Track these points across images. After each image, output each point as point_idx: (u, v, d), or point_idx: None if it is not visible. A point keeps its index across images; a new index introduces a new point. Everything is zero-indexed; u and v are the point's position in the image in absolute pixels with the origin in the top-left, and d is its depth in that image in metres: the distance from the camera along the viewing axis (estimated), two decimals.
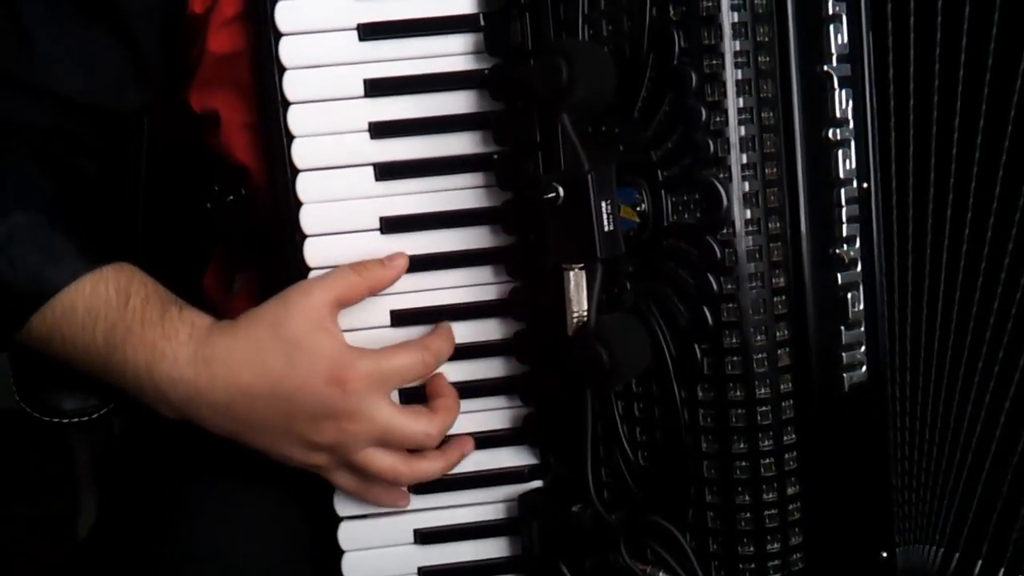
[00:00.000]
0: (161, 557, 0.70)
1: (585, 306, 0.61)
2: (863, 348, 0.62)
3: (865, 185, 0.61)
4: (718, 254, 0.58)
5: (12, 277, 0.64)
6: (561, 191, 0.59)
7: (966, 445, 0.66)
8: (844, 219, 0.61)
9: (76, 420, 0.76)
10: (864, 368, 0.63)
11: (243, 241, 0.78)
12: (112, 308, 0.65)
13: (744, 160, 0.58)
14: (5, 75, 0.67)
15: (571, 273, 0.61)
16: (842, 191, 0.61)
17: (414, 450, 0.66)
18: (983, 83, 0.62)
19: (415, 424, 0.64)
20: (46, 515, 1.45)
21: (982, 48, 0.62)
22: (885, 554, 0.65)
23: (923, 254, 0.64)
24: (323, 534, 0.70)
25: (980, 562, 0.66)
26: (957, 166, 0.63)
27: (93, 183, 0.74)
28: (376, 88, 0.66)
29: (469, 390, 0.69)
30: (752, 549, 0.61)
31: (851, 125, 0.61)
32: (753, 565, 0.61)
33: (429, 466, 0.66)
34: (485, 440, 0.70)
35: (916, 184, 0.64)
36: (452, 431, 0.67)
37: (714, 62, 0.57)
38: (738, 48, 0.57)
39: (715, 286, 0.59)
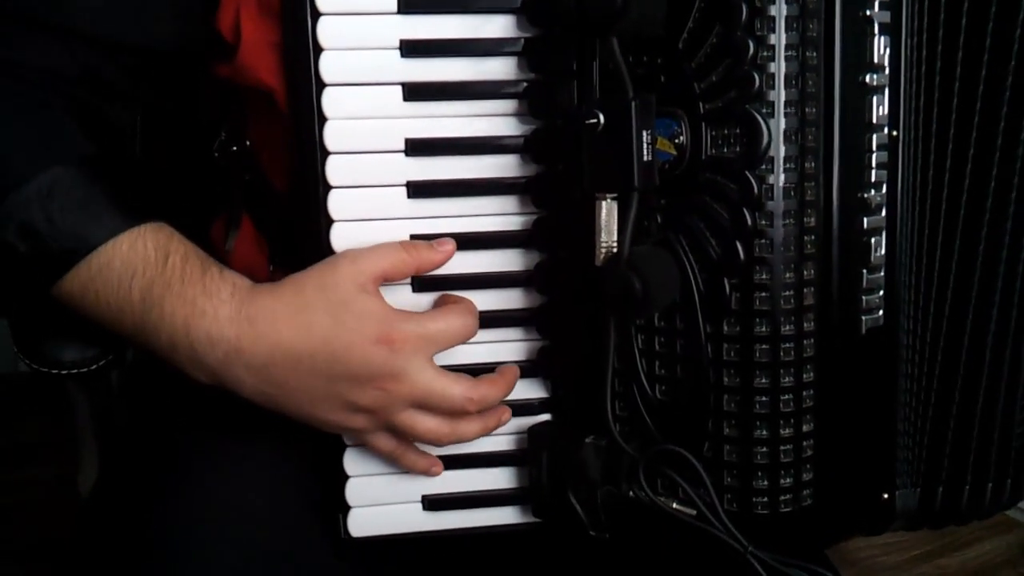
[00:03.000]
0: (164, 511, 0.69)
1: (615, 237, 0.61)
2: (881, 293, 0.64)
3: (895, 133, 0.63)
4: (755, 189, 0.59)
5: (49, 233, 0.61)
6: (602, 118, 0.59)
7: (967, 396, 0.68)
8: (873, 164, 0.62)
9: (75, 371, 0.74)
10: (881, 312, 0.64)
11: (243, 194, 0.77)
12: (150, 264, 0.63)
13: (786, 97, 0.59)
14: (35, 19, 0.65)
15: (603, 203, 0.61)
16: (873, 136, 0.62)
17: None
18: (1012, 40, 0.63)
19: (457, 387, 0.64)
20: (46, 476, 1.44)
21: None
22: (886, 495, 0.67)
23: (939, 206, 0.66)
24: (326, 465, 0.70)
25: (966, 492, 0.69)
26: (980, 120, 0.65)
27: (126, 133, 0.72)
28: (410, 5, 0.64)
29: (487, 320, 0.68)
30: (766, 483, 0.62)
31: (887, 72, 0.62)
32: (766, 498, 0.62)
33: (467, 428, 0.66)
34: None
35: (940, 136, 0.65)
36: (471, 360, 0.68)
37: None
38: None
39: (750, 221, 0.59)
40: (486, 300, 0.68)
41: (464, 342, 0.66)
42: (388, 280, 0.64)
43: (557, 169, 0.65)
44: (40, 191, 0.61)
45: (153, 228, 0.64)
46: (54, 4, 0.65)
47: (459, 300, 0.67)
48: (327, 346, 0.62)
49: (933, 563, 1.15)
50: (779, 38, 0.58)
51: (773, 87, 0.58)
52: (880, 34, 0.61)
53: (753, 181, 0.59)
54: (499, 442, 0.70)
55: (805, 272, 0.61)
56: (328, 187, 0.65)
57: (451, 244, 0.66)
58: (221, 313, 0.62)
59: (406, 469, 0.68)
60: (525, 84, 0.66)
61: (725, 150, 0.59)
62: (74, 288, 0.63)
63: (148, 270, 0.63)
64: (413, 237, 0.67)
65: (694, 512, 0.62)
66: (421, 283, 0.67)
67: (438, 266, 0.66)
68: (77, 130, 0.65)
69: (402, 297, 0.67)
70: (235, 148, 0.77)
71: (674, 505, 0.63)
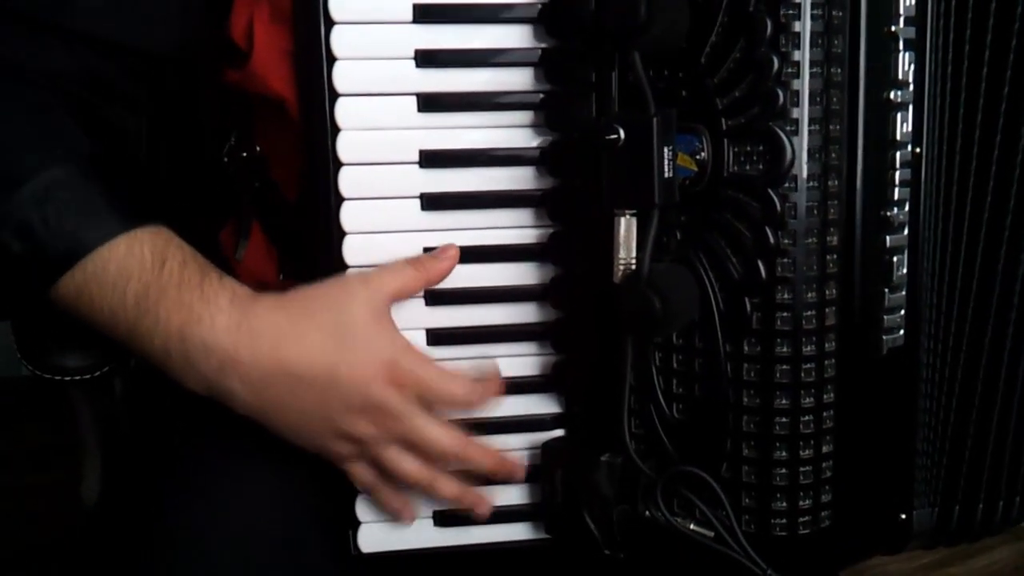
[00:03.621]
0: (167, 520, 0.68)
1: (634, 253, 0.60)
2: (902, 312, 0.63)
3: (918, 150, 0.62)
4: (778, 207, 0.58)
5: (46, 235, 0.60)
6: (622, 133, 0.58)
7: (983, 415, 0.67)
8: (897, 182, 0.61)
9: (78, 378, 0.73)
10: (901, 332, 0.63)
11: (252, 201, 0.76)
12: (146, 270, 0.62)
13: (810, 115, 0.57)
14: (37, 20, 0.64)
15: (622, 219, 0.60)
16: (897, 154, 0.61)
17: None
18: None
19: (448, 437, 0.64)
20: (49, 482, 1.42)
21: None
22: (904, 516, 0.66)
23: (961, 225, 0.65)
24: (335, 480, 0.69)
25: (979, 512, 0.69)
26: (1001, 138, 0.64)
27: (129, 135, 0.71)
28: (425, 14, 0.63)
29: (501, 334, 0.67)
30: (785, 504, 0.61)
31: (911, 88, 0.61)
32: (784, 520, 0.61)
33: (445, 487, 0.65)
34: (511, 386, 0.68)
35: (963, 154, 0.64)
36: None
37: (789, 12, 0.56)
38: None
39: (772, 240, 0.58)
40: (500, 314, 0.67)
41: (456, 407, 0.64)
42: (401, 298, 0.64)
43: (574, 183, 0.64)
44: (37, 192, 0.60)
45: (151, 232, 0.63)
46: (56, 5, 0.64)
47: (481, 372, 0.65)
48: (330, 371, 0.61)
49: (943, 571, 1.14)
50: (804, 54, 0.57)
51: (797, 104, 0.57)
52: (905, 50, 0.60)
53: (776, 199, 0.58)
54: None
55: (827, 292, 0.60)
56: (341, 199, 0.64)
57: (454, 248, 0.65)
58: (218, 321, 0.61)
59: (378, 502, 0.67)
60: (542, 95, 0.65)
61: (747, 167, 0.58)
62: (69, 291, 0.62)
63: (144, 275, 0.62)
64: (426, 250, 0.66)
65: (712, 533, 0.61)
66: (434, 296, 0.66)
67: (447, 274, 0.65)
68: (79, 130, 0.64)
69: (414, 311, 0.66)
70: (244, 154, 0.76)
71: (691, 526, 0.62)
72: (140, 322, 0.61)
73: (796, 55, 0.57)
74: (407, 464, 0.64)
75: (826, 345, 0.60)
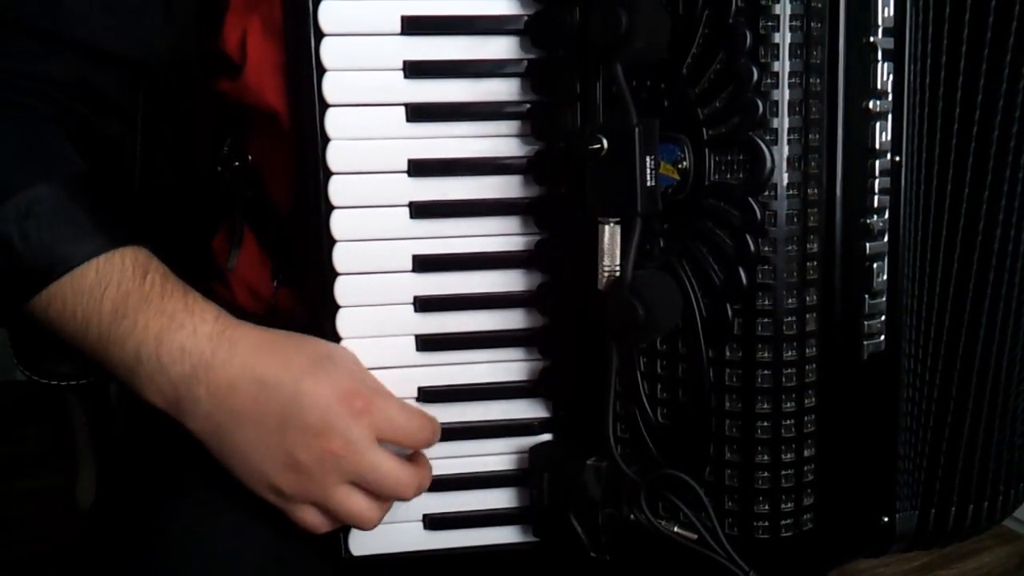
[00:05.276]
0: (161, 525, 0.69)
1: (618, 261, 0.61)
2: (883, 318, 0.64)
3: (897, 158, 0.63)
4: (758, 215, 0.59)
5: (24, 250, 0.61)
6: (605, 143, 0.59)
7: (958, 420, 0.69)
8: (876, 190, 0.62)
9: (74, 382, 0.74)
10: (882, 338, 0.64)
11: (245, 210, 0.77)
12: (127, 278, 0.62)
13: (789, 124, 0.59)
14: (26, 26, 0.64)
15: (606, 227, 0.61)
16: (876, 162, 0.62)
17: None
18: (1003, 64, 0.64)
19: (400, 472, 0.64)
20: (45, 486, 1.43)
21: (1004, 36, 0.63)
22: (886, 519, 0.67)
23: (940, 232, 0.66)
24: None
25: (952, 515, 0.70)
26: (977, 145, 0.65)
27: (121, 146, 0.72)
28: (413, 26, 0.64)
29: (489, 340, 0.68)
30: (767, 508, 0.62)
31: (890, 98, 0.62)
32: (767, 523, 0.62)
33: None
34: (499, 391, 0.69)
35: (941, 161, 0.65)
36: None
37: (769, 24, 0.57)
38: (791, 11, 0.58)
39: (752, 247, 0.59)
40: (488, 320, 0.68)
41: (411, 448, 0.66)
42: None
43: (560, 191, 0.65)
44: (19, 208, 0.61)
45: (132, 248, 0.64)
46: (46, 11, 0.64)
47: (432, 418, 0.67)
48: (296, 383, 0.61)
49: (933, 574, 1.15)
50: (783, 65, 0.58)
51: (776, 114, 0.58)
52: (884, 60, 0.61)
53: (756, 207, 0.59)
54: (500, 462, 0.70)
55: (807, 298, 0.61)
56: (331, 207, 0.65)
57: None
58: (201, 330, 0.62)
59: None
60: (528, 105, 0.66)
61: (728, 176, 0.59)
62: (40, 300, 0.62)
63: (124, 283, 0.62)
64: (415, 257, 0.67)
65: (695, 536, 0.62)
66: (423, 302, 0.67)
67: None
68: (69, 145, 0.65)
69: (403, 316, 0.67)
70: (237, 164, 0.77)
71: (675, 529, 0.63)
72: (114, 328, 0.62)
73: (776, 66, 0.58)
74: (357, 503, 0.63)
75: (807, 350, 0.61)
